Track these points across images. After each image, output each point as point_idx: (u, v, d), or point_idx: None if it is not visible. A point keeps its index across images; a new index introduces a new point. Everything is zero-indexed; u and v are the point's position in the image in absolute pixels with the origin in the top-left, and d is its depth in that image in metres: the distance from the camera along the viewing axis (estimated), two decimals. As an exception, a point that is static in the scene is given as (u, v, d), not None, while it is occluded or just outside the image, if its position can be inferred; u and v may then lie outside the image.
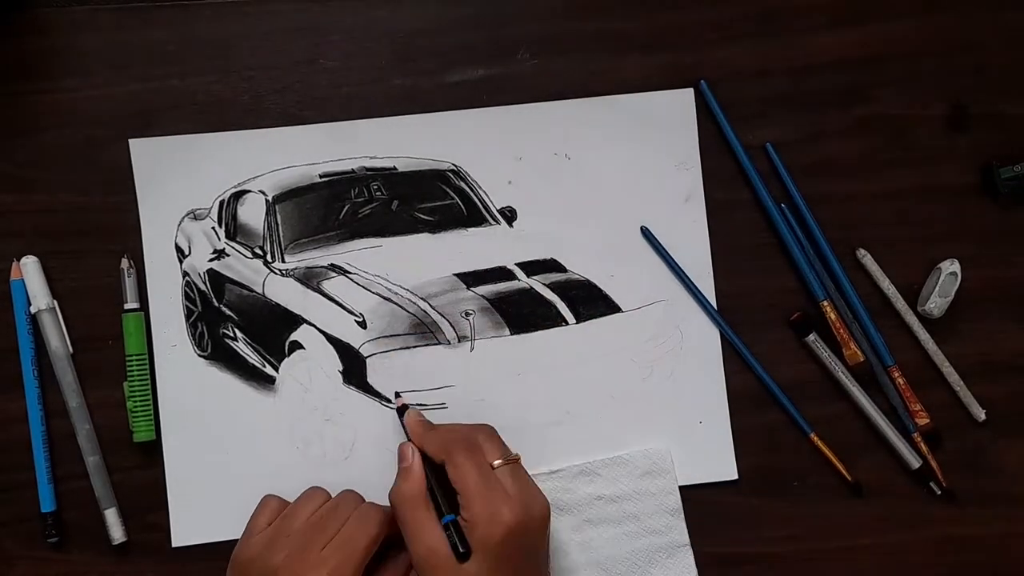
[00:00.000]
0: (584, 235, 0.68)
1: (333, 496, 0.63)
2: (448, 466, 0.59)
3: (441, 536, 0.57)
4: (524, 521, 0.57)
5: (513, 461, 0.60)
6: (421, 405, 0.67)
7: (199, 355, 0.67)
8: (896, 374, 0.68)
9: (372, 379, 0.67)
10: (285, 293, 0.67)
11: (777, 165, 0.69)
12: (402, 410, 0.65)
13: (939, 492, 0.68)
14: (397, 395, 0.67)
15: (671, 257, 0.68)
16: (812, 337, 0.68)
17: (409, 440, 0.63)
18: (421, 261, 0.68)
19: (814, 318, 0.68)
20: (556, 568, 0.66)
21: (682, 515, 0.67)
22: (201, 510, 0.66)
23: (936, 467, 0.68)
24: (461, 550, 0.56)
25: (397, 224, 0.68)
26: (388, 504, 0.61)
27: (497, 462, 0.59)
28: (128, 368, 0.65)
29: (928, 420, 0.68)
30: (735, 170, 0.69)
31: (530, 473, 0.61)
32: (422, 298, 0.67)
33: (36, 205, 0.66)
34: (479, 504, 0.57)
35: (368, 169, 0.68)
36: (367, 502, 0.63)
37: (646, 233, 0.68)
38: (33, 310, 0.65)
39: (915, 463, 0.68)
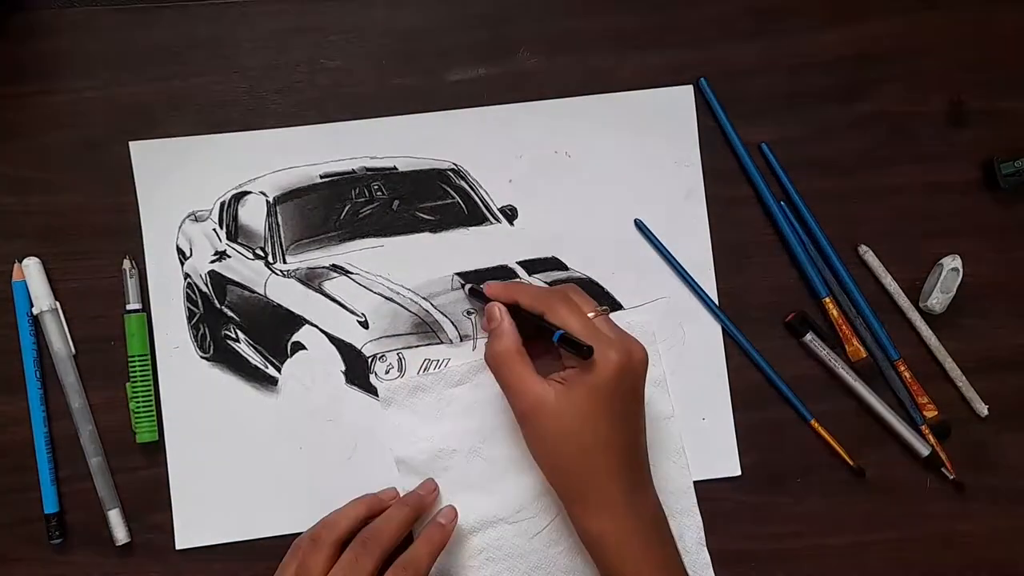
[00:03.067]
0: (585, 233, 0.68)
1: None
2: (548, 315, 0.60)
3: (544, 385, 0.58)
4: (627, 363, 0.58)
5: (604, 312, 0.61)
6: (423, 404, 0.67)
7: (201, 357, 0.67)
8: (903, 367, 0.68)
9: (374, 379, 0.67)
10: (287, 294, 0.67)
11: (776, 164, 0.68)
12: (474, 290, 0.66)
13: (951, 477, 0.68)
14: (463, 284, 0.67)
15: (671, 254, 0.68)
16: (809, 337, 0.68)
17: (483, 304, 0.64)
18: (422, 260, 0.68)
19: (811, 317, 0.68)
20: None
21: (667, 387, 0.67)
22: (204, 511, 0.66)
23: (945, 458, 0.68)
24: (585, 348, 0.56)
25: (398, 224, 0.68)
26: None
27: (591, 313, 0.60)
28: (131, 369, 0.65)
29: (936, 412, 0.68)
30: (735, 167, 0.69)
31: None
32: (424, 297, 0.67)
33: (37, 207, 0.66)
34: None
35: (369, 169, 0.68)
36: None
37: (640, 226, 0.68)
38: (35, 311, 0.65)
39: (924, 451, 0.68)
